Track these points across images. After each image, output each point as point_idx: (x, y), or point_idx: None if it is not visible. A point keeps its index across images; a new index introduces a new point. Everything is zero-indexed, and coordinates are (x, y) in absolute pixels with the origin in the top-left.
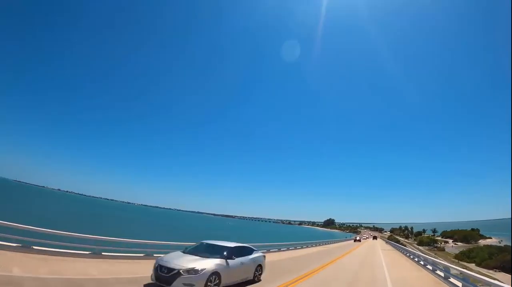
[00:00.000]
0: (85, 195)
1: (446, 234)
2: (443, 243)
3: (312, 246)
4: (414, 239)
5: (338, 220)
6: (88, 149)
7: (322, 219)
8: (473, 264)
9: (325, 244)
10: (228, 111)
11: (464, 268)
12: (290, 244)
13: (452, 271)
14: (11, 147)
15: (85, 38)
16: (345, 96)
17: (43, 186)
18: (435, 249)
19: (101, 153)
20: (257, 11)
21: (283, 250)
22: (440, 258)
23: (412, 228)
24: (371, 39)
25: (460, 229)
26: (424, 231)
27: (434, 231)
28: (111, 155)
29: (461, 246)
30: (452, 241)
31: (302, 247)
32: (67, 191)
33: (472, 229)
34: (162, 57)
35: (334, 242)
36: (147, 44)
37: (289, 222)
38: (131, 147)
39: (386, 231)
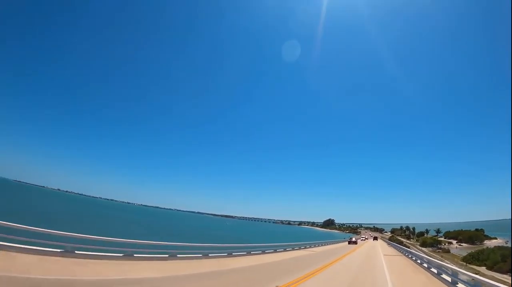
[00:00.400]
0: (84, 195)
1: (449, 235)
2: (446, 244)
3: (296, 249)
4: (416, 240)
5: (338, 220)
6: (87, 149)
7: (322, 219)
8: (484, 268)
9: (315, 246)
10: (228, 111)
11: (476, 273)
12: (269, 246)
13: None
14: (11, 147)
15: (86, 39)
16: (345, 96)
17: (43, 186)
18: (440, 250)
19: (101, 153)
20: (258, 12)
21: (255, 253)
22: (447, 261)
23: (414, 228)
24: (372, 39)
25: (462, 229)
26: (427, 231)
27: (438, 231)
28: (111, 155)
29: (466, 247)
30: (456, 242)
31: (275, 251)
32: (66, 191)
33: (477, 230)
34: (162, 57)
35: (327, 244)
36: (148, 45)
37: (289, 223)
38: (131, 147)
39: (386, 232)
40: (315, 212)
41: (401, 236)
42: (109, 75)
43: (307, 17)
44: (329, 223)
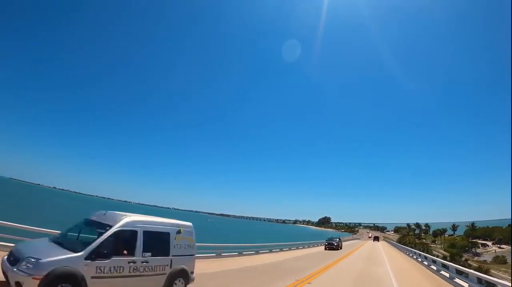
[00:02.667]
0: (81, 194)
1: (475, 234)
2: (480, 246)
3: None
4: (433, 241)
5: (337, 219)
6: (86, 148)
7: (319, 218)
8: None
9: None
10: (227, 111)
11: None
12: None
13: None
14: (8, 146)
15: (87, 38)
16: (345, 95)
17: (39, 184)
18: (478, 256)
19: (98, 152)
20: (259, 12)
21: None
22: None
23: (427, 225)
24: (372, 38)
25: (488, 226)
26: (455, 227)
27: (473, 228)
28: (109, 153)
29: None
30: (493, 244)
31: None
32: (62, 189)
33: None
34: (163, 57)
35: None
36: (149, 45)
37: (283, 221)
38: (129, 146)
39: (388, 231)
40: (314, 211)
41: (409, 236)
42: (110, 74)
43: (308, 16)
44: (324, 222)
